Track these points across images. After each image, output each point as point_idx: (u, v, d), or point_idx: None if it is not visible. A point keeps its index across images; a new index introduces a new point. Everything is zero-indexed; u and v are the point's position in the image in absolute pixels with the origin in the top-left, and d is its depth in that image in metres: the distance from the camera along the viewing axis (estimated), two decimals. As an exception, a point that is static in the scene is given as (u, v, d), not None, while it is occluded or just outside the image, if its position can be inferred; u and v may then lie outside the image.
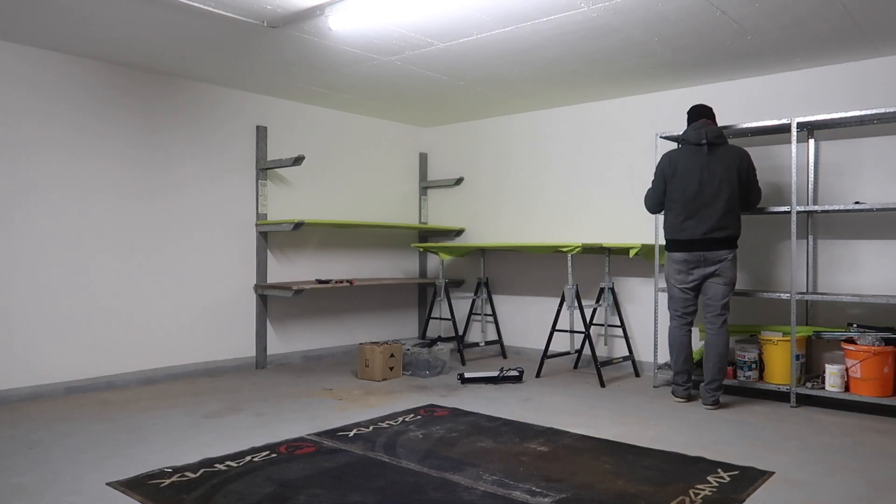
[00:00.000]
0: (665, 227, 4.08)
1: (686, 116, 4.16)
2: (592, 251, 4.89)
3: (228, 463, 2.90)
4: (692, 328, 4.08)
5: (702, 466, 2.89)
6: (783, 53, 4.07)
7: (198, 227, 4.84)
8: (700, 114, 4.07)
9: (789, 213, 4.05)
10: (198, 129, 4.84)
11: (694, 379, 4.14)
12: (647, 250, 4.79)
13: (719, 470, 2.84)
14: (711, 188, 3.85)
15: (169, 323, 4.69)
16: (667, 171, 4.01)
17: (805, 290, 4.28)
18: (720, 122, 4.65)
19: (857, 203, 3.93)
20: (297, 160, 4.86)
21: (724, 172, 3.85)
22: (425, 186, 6.45)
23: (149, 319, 4.59)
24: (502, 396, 4.23)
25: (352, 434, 3.35)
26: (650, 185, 4.19)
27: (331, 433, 3.37)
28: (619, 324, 5.05)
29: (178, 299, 4.74)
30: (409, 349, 4.92)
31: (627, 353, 5.01)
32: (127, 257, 4.48)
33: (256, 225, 5.16)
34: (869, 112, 3.80)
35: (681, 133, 4.47)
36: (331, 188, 5.71)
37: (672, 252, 4.03)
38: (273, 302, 5.29)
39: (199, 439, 3.26)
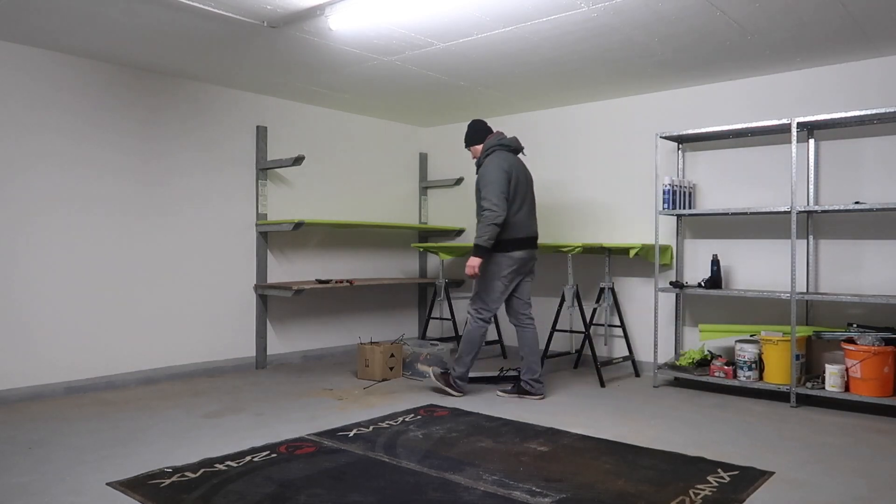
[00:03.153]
0: (506, 228, 4.02)
1: (473, 130, 4.33)
2: (592, 251, 4.89)
3: (228, 463, 2.90)
4: None
5: (702, 466, 2.89)
6: (783, 53, 4.07)
7: (198, 227, 4.84)
8: (489, 128, 4.36)
9: (789, 213, 4.06)
10: (198, 129, 4.84)
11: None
12: (647, 250, 4.80)
13: (719, 470, 2.84)
14: (528, 191, 4.21)
15: (169, 323, 4.69)
16: (509, 173, 4.06)
17: (805, 290, 4.28)
18: (722, 122, 4.67)
19: (857, 203, 3.93)
20: (297, 160, 4.86)
21: (530, 178, 4.26)
22: (425, 186, 6.45)
23: (149, 319, 4.59)
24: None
25: (352, 434, 3.35)
26: (494, 192, 3.97)
27: (331, 433, 3.37)
28: (619, 324, 5.05)
29: (178, 299, 4.74)
30: (409, 349, 4.92)
31: (627, 353, 5.01)
32: (127, 257, 4.48)
33: (256, 225, 5.16)
34: (869, 112, 3.80)
35: (681, 131, 4.47)
36: (331, 188, 5.71)
37: (513, 251, 4.08)
38: (273, 302, 5.29)
39: (199, 439, 3.26)
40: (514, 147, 4.24)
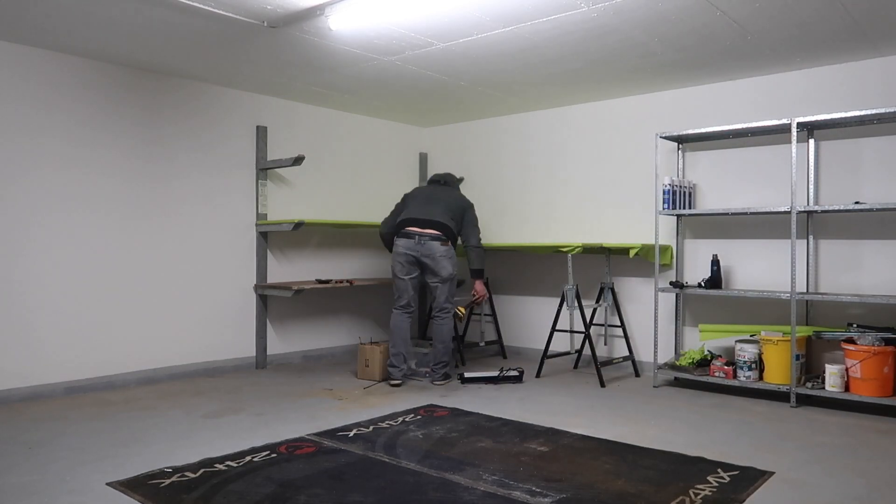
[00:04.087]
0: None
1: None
2: (592, 251, 4.89)
3: (228, 463, 2.90)
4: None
5: (702, 466, 2.89)
6: (783, 53, 4.07)
7: (198, 227, 4.84)
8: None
9: (789, 213, 4.06)
10: (198, 129, 4.84)
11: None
12: (647, 250, 4.80)
13: (719, 470, 2.84)
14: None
15: (169, 323, 4.69)
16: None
17: (805, 290, 4.28)
18: (722, 122, 4.67)
19: (857, 203, 3.93)
20: (297, 160, 4.86)
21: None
22: (425, 186, 6.45)
23: (149, 319, 4.59)
24: (502, 396, 4.23)
25: (352, 434, 3.35)
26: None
27: (331, 433, 3.37)
28: (619, 324, 5.05)
29: (178, 299, 4.74)
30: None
31: (627, 353, 5.01)
32: (126, 257, 4.48)
33: (256, 225, 5.16)
34: (869, 112, 3.80)
35: (681, 131, 4.48)
36: (331, 188, 5.71)
37: None
38: (273, 302, 5.29)
39: (199, 439, 3.26)
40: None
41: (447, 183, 4.94)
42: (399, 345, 4.57)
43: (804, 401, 4.06)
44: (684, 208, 4.61)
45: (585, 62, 4.29)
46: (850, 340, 3.88)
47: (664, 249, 4.82)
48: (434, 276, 4.58)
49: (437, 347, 4.63)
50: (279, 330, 5.34)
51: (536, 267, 5.71)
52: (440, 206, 4.67)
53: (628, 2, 3.31)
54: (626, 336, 4.96)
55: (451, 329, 4.69)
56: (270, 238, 5.27)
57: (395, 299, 4.67)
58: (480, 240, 4.78)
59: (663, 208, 4.55)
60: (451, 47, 4.01)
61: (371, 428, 3.47)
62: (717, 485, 2.66)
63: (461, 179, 6.14)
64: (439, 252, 4.53)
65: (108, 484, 2.65)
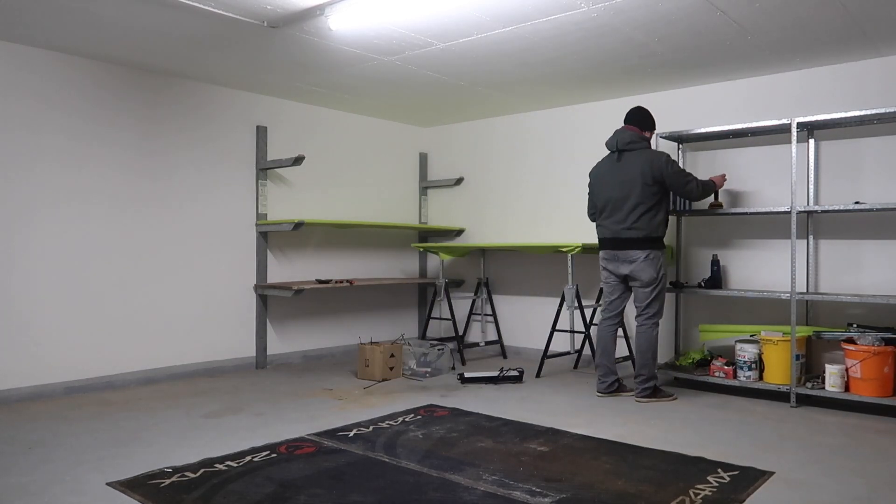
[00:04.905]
0: (596, 228, 4.32)
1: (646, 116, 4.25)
2: (592, 251, 4.89)
3: (228, 463, 2.90)
4: (618, 327, 4.31)
5: (702, 466, 2.89)
6: (783, 53, 4.07)
7: (198, 227, 4.84)
8: (625, 119, 4.26)
9: (789, 213, 4.06)
10: (197, 129, 4.84)
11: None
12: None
13: (719, 470, 2.84)
14: (622, 192, 4.08)
15: (169, 323, 4.69)
16: (592, 180, 4.32)
17: (805, 290, 4.28)
18: (722, 122, 4.67)
19: (857, 203, 3.93)
20: (297, 160, 4.86)
21: (633, 177, 4.05)
22: (425, 186, 6.45)
23: (149, 319, 4.59)
24: (502, 396, 4.23)
25: (352, 434, 3.35)
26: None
27: (331, 433, 3.37)
28: (619, 324, 5.04)
29: (178, 299, 4.74)
30: (409, 348, 4.92)
31: (627, 353, 5.00)
32: (127, 257, 4.48)
33: (256, 225, 5.16)
34: (869, 112, 3.80)
35: (681, 131, 4.48)
36: (331, 188, 5.71)
37: (601, 251, 4.27)
38: (273, 302, 5.29)
39: (199, 439, 3.26)
40: (609, 147, 4.22)
41: (630, 144, 4.10)
42: (599, 356, 4.27)
43: (804, 401, 4.06)
44: (684, 208, 4.60)
45: (585, 62, 4.30)
46: (850, 340, 3.88)
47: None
48: (634, 281, 4.12)
49: (637, 359, 4.18)
50: (279, 330, 5.34)
51: (536, 267, 5.71)
52: (627, 196, 4.05)
53: (628, 2, 3.31)
54: (626, 336, 4.95)
55: (650, 340, 4.09)
56: (270, 238, 5.27)
57: (603, 308, 4.33)
58: (694, 182, 4.08)
59: (663, 208, 4.55)
60: (451, 47, 4.01)
61: (371, 428, 3.47)
62: (717, 485, 2.66)
63: (459, 180, 6.06)
64: (638, 257, 4.05)
65: (108, 484, 2.65)
